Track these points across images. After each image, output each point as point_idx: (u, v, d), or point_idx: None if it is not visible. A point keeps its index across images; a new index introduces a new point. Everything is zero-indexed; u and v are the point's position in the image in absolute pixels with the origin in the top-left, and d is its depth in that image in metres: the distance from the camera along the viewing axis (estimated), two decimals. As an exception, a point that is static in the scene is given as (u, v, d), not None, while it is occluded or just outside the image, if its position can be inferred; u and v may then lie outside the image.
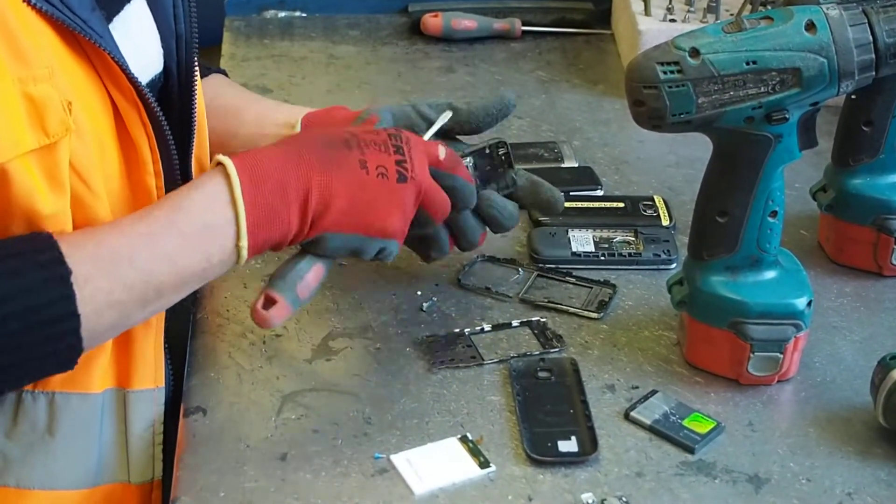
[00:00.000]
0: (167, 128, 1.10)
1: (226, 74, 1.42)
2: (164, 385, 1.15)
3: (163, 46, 1.17)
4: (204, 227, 1.04)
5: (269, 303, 1.09)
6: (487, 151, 1.25)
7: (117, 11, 1.11)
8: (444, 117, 1.25)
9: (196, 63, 1.20)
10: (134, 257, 1.02)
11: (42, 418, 1.08)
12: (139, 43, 1.13)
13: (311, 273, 1.11)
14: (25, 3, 0.99)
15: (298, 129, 1.27)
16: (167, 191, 1.10)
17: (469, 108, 1.27)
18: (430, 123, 1.25)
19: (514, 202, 1.27)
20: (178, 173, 1.13)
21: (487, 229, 1.26)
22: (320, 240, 1.10)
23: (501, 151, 1.26)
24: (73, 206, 1.03)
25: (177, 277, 1.04)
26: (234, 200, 1.04)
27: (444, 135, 1.27)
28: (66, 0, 1.01)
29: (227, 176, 1.05)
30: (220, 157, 1.06)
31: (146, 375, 1.13)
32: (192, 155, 1.20)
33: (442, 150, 1.16)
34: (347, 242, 1.10)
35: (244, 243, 1.05)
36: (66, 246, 0.99)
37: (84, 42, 1.03)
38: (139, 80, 1.07)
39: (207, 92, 1.30)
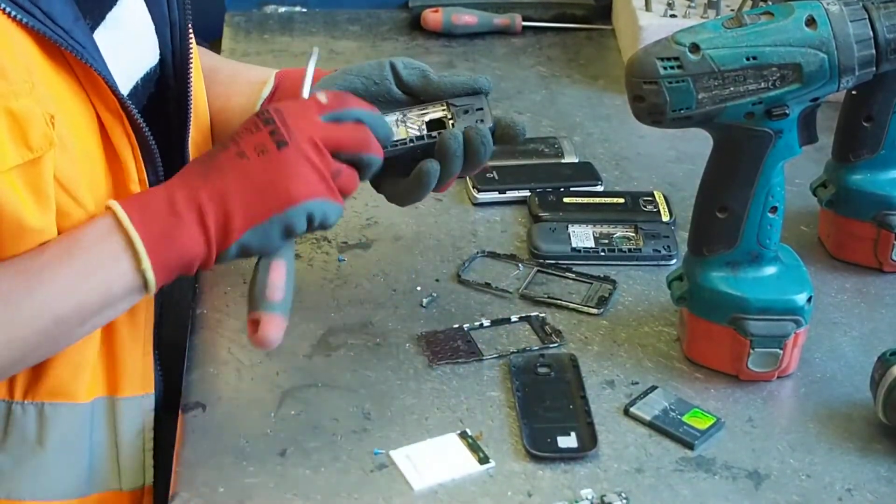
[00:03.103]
0: (151, 137, 1.09)
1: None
2: (153, 391, 1.14)
3: (158, 36, 1.16)
4: (99, 259, 1.03)
5: (255, 325, 1.07)
6: (466, 111, 1.19)
7: (110, 8, 1.10)
8: (313, 59, 1.17)
9: (191, 49, 1.19)
10: (33, 292, 1.01)
11: (32, 429, 1.08)
12: (134, 37, 1.13)
13: (272, 273, 1.08)
14: (6, 16, 0.98)
15: (271, 83, 1.24)
16: None
17: (440, 81, 1.20)
18: (399, 79, 1.20)
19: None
20: (162, 177, 1.12)
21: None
22: (246, 242, 1.06)
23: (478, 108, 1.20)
24: (59, 220, 1.02)
25: (78, 310, 1.02)
26: (123, 228, 1.02)
27: (413, 95, 1.21)
28: (48, 11, 1.00)
29: (115, 212, 1.03)
30: (109, 202, 1.04)
31: (134, 382, 1.12)
32: (189, 140, 1.20)
33: (322, 96, 1.11)
34: (270, 229, 1.06)
35: (147, 265, 1.02)
36: None
37: (66, 54, 1.02)
38: (124, 82, 1.06)
39: None
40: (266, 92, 1.25)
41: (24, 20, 0.98)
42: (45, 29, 0.99)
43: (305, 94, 1.14)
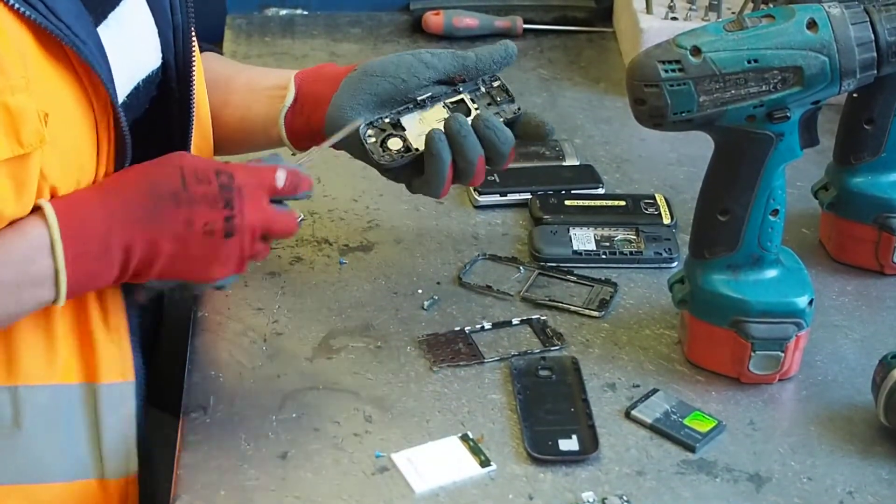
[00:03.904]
0: (128, 135, 1.07)
1: (220, 53, 1.41)
2: (133, 379, 1.13)
3: (160, 39, 1.16)
4: (25, 279, 1.02)
5: None
6: (482, 89, 1.23)
7: (112, 8, 1.10)
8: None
9: (194, 54, 1.19)
10: None
11: (7, 412, 1.08)
12: (135, 38, 1.13)
13: None
14: (7, 7, 0.98)
15: (292, 91, 1.24)
16: None
17: (476, 56, 1.23)
18: (433, 70, 1.22)
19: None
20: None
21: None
22: (145, 284, 1.10)
23: (495, 84, 1.24)
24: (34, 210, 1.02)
25: None
26: (55, 262, 1.02)
27: (448, 81, 1.23)
28: (51, 6, 1.00)
29: (52, 241, 1.02)
30: (41, 203, 1.03)
31: (112, 369, 1.12)
32: (192, 145, 1.20)
33: (280, 178, 1.11)
34: (172, 285, 1.11)
35: (61, 301, 1.04)
36: None
37: (67, 49, 1.02)
38: (123, 83, 1.06)
39: None
40: (288, 101, 1.24)
41: (27, 13, 0.98)
42: (47, 23, 0.99)
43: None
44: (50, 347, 1.08)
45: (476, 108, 1.22)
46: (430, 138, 1.18)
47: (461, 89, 1.23)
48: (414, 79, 1.21)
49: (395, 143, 1.20)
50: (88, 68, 1.03)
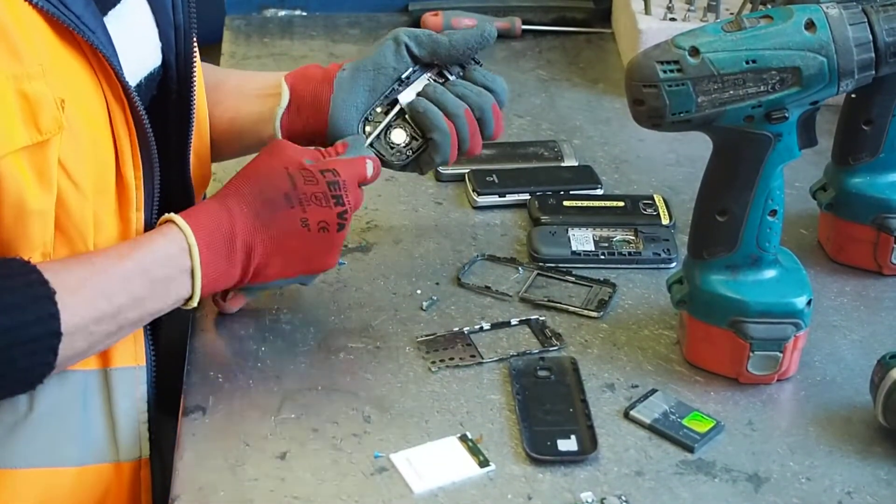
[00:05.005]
0: (148, 124, 1.10)
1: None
2: (145, 364, 1.15)
3: (161, 39, 1.17)
4: (167, 279, 1.11)
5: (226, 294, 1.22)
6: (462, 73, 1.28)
7: (113, 5, 1.11)
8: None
9: (195, 54, 1.20)
10: (109, 295, 1.06)
11: (23, 398, 1.09)
12: (135, 37, 1.13)
13: None
14: None
15: (285, 92, 1.26)
16: (145, 182, 1.12)
17: (450, 41, 1.25)
18: (411, 60, 1.26)
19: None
20: (156, 165, 1.13)
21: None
22: (264, 286, 1.19)
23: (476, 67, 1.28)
24: (57, 205, 1.03)
25: (139, 316, 1.10)
26: (192, 267, 1.11)
27: (428, 65, 1.27)
28: None
29: (186, 236, 1.11)
30: (174, 217, 1.12)
31: (126, 354, 1.13)
32: (191, 146, 1.20)
33: (370, 168, 1.21)
34: (290, 282, 1.20)
35: (195, 301, 1.13)
36: (45, 272, 1.02)
37: (79, 37, 1.03)
38: (126, 78, 1.07)
39: None
40: (283, 103, 1.25)
41: (39, 2, 1.00)
42: (59, 13, 1.01)
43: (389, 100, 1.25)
44: None
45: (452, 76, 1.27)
46: (413, 103, 1.24)
47: (445, 72, 1.27)
48: (403, 64, 1.25)
49: (398, 136, 1.23)
50: (99, 57, 1.04)
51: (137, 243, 1.10)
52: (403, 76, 1.25)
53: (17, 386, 1.06)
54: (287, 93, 1.25)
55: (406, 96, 1.25)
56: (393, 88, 1.25)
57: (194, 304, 1.13)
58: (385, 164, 1.25)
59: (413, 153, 1.25)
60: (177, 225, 1.11)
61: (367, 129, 1.24)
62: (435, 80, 1.26)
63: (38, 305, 1.01)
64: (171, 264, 1.10)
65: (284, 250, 1.15)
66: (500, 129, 1.27)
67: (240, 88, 1.30)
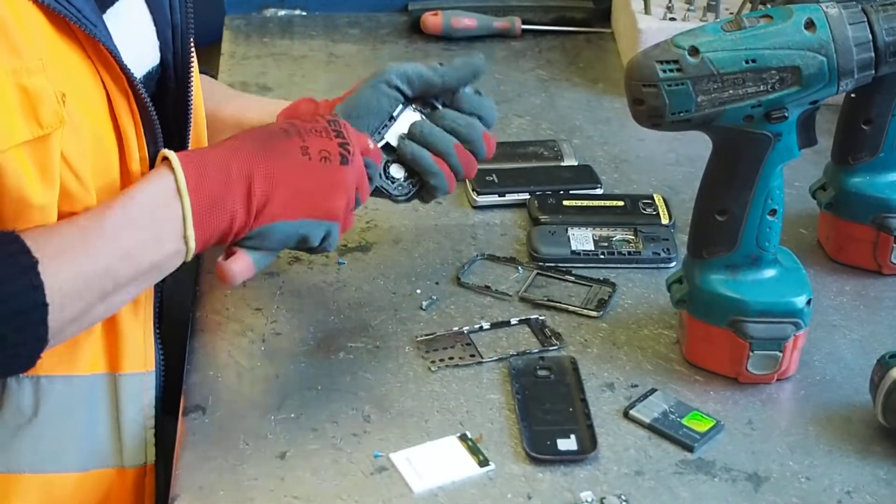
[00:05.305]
0: (154, 115, 1.10)
1: (210, 75, 1.41)
2: (154, 370, 1.14)
3: (159, 38, 1.17)
4: (154, 219, 1.05)
5: (228, 255, 1.11)
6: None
7: (111, 4, 1.11)
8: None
9: (192, 53, 1.19)
10: (91, 252, 1.02)
11: (28, 402, 1.08)
12: (133, 35, 1.13)
13: None
14: None
15: None
16: None
17: (443, 81, 1.25)
18: (402, 96, 1.25)
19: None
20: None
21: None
22: (267, 231, 1.09)
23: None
24: (60, 199, 1.03)
25: (134, 270, 1.04)
26: (178, 189, 1.05)
27: (418, 99, 1.26)
28: None
29: (173, 168, 1.06)
30: (166, 152, 1.08)
31: (136, 359, 1.13)
32: (189, 146, 1.20)
33: (370, 141, 1.18)
34: (295, 229, 1.10)
35: (190, 233, 1.05)
36: (27, 240, 0.99)
37: (78, 31, 1.03)
38: (131, 69, 1.07)
39: None
40: None
41: None
42: (59, 6, 1.01)
43: (381, 139, 1.23)
44: (77, 339, 1.08)
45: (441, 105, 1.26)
46: (401, 147, 1.23)
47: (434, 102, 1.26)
48: (393, 103, 1.24)
49: (397, 171, 1.24)
50: (100, 51, 1.04)
51: (123, 192, 1.06)
52: (394, 114, 1.24)
53: (14, 362, 1.02)
54: None
55: (395, 133, 1.24)
56: (385, 125, 1.23)
57: (191, 243, 1.05)
58: (390, 199, 1.25)
59: (413, 187, 1.25)
60: (166, 157, 1.07)
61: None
62: (422, 112, 1.25)
63: (21, 277, 0.98)
64: (157, 197, 1.05)
65: (285, 181, 1.08)
66: (492, 149, 1.26)
67: (237, 121, 1.30)
